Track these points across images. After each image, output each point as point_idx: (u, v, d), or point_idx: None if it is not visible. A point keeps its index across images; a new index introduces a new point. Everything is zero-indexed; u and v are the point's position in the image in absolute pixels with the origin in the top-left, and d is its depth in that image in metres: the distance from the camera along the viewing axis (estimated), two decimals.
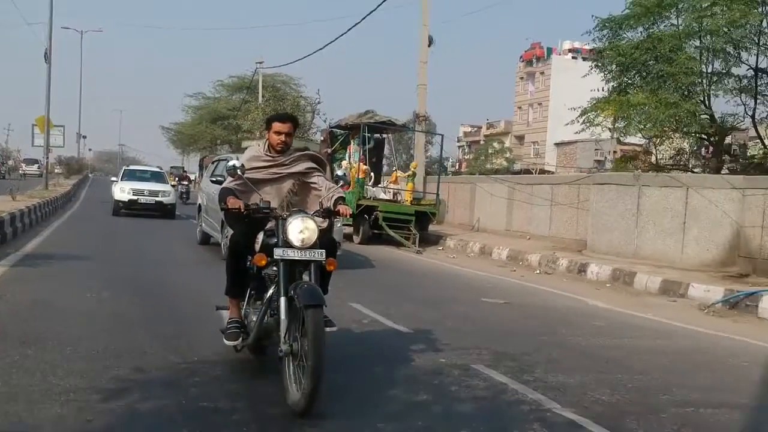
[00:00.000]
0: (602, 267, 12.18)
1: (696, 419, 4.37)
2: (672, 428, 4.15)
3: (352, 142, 19.51)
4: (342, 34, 38.57)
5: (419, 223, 17.10)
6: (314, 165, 4.95)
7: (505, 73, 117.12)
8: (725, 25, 11.68)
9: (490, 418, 4.15)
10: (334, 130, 20.85)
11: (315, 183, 4.88)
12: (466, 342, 6.14)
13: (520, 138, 72.19)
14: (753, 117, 13.46)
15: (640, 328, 7.88)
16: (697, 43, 12.88)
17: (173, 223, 19.98)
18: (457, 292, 10.02)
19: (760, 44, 12.74)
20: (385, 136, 21.11)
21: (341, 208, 4.59)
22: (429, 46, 22.62)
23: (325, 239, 4.41)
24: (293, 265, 4.21)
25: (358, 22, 38.95)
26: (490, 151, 70.66)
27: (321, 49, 48.75)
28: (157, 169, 26.21)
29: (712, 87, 14.09)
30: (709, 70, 13.37)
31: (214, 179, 11.34)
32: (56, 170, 62.68)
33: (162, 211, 21.37)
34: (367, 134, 18.33)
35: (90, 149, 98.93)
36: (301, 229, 4.19)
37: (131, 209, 20.99)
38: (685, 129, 13.00)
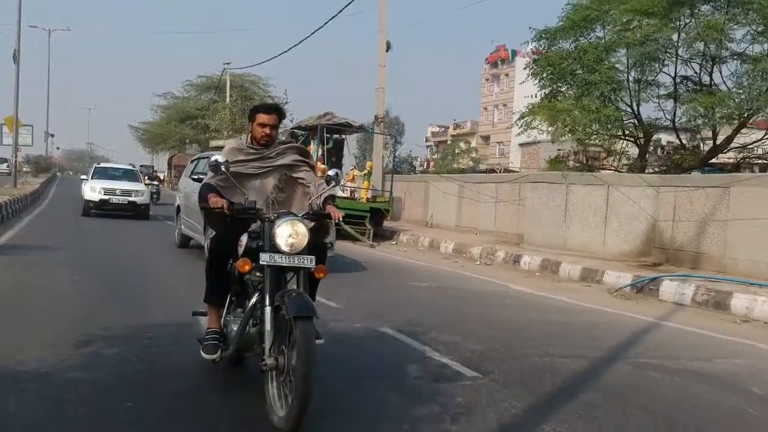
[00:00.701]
0: (533, 258, 13.41)
1: (548, 365, 5.55)
2: (524, 370, 5.31)
3: (312, 142, 20.57)
4: (304, 39, 39.79)
5: (374, 219, 18.21)
6: (301, 158, 4.64)
7: (472, 75, 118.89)
8: (640, 40, 12.98)
9: (382, 363, 5.29)
10: (295, 130, 21.85)
11: (303, 178, 4.56)
12: (382, 313, 7.28)
13: (486, 138, 73.75)
14: (673, 121, 14.80)
15: (545, 306, 9.10)
16: (621, 54, 14.18)
17: (148, 225, 19.27)
18: (393, 278, 11.16)
19: (678, 55, 14.07)
20: (344, 136, 22.18)
21: (330, 208, 4.29)
22: (387, 51, 23.70)
23: (314, 243, 4.02)
24: (280, 271, 3.91)
25: (320, 28, 39.70)
26: (456, 151, 72.17)
27: (285, 52, 49.67)
28: (130, 167, 25.09)
29: (641, 94, 15.43)
30: (638, 79, 14.64)
31: (195, 177, 10.99)
32: (24, 169, 62.66)
33: (135, 212, 20.40)
34: (326, 135, 19.41)
35: (58, 148, 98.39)
36: (290, 234, 3.87)
37: (102, 209, 20.05)
38: (609, 132, 14.27)
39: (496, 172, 53.85)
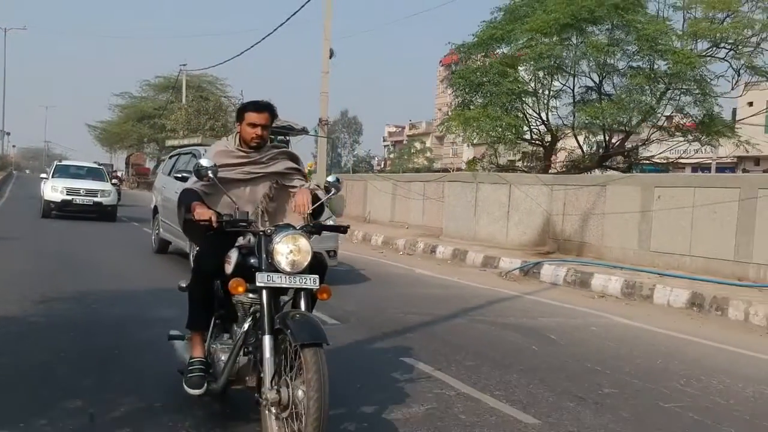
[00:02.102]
0: (447, 247, 15.24)
1: (401, 318, 7.33)
2: (379, 321, 7.07)
3: None
4: (255, 44, 41.06)
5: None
6: (294, 165, 4.22)
7: (429, 77, 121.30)
8: (535, 57, 14.93)
9: None
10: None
11: (295, 188, 4.05)
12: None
13: (441, 138, 75.90)
14: (573, 127, 16.79)
15: (433, 284, 10.91)
16: (523, 67, 16.10)
17: (116, 228, 18.08)
18: None
19: (575, 69, 16.06)
20: (288, 138, 23.81)
21: (298, 198, 3.86)
22: (330, 58, 25.38)
23: (314, 259, 3.58)
24: (276, 292, 3.54)
25: (269, 34, 42.15)
26: (412, 151, 74.22)
27: (238, 55, 51.69)
28: (95, 165, 23.21)
29: (551, 102, 17.39)
30: (536, 90, 16.59)
31: (179, 176, 10.09)
32: None
33: (101, 213, 19.14)
34: (270, 136, 21.01)
35: (14, 146, 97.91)
36: (291, 250, 3.45)
37: (65, 211, 18.70)
38: (509, 138, 16.21)
39: (450, 171, 56.16)
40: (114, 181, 23.59)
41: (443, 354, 5.92)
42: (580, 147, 17.24)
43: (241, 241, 3.84)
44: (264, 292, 3.44)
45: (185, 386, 3.79)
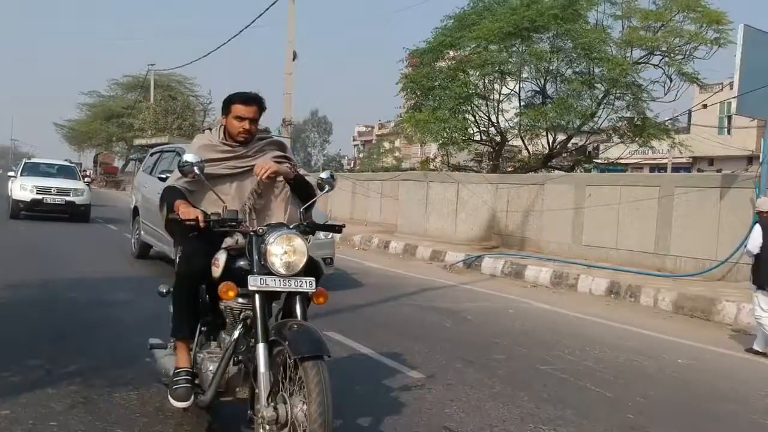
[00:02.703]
0: (399, 243, 16.09)
1: (340, 301, 8.14)
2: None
3: None
4: (221, 46, 41.67)
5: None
6: (282, 153, 3.87)
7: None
8: (480, 63, 15.88)
9: None
10: (206, 131, 24.03)
11: (282, 181, 3.76)
12: None
13: (409, 138, 76.76)
14: (519, 129, 17.76)
15: (380, 275, 11.76)
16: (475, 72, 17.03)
17: (90, 229, 17.02)
18: None
19: (521, 74, 17.04)
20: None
21: (259, 162, 3.61)
22: (293, 59, 26.12)
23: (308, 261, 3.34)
24: (269, 297, 3.32)
25: (235, 36, 42.36)
26: (381, 151, 75.03)
27: (205, 56, 51.92)
28: (67, 163, 22.07)
29: (503, 104, 18.34)
30: (484, 94, 17.54)
31: (165, 177, 8.68)
32: None
33: (74, 214, 18.13)
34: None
35: None
36: (285, 251, 3.23)
37: (34, 211, 17.74)
38: (461, 138, 17.15)
39: (416, 170, 57.12)
40: (87, 179, 22.50)
41: (363, 328, 6.76)
42: (527, 148, 18.22)
43: (228, 241, 3.54)
44: (257, 297, 3.21)
45: (170, 398, 3.55)
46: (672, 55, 16.06)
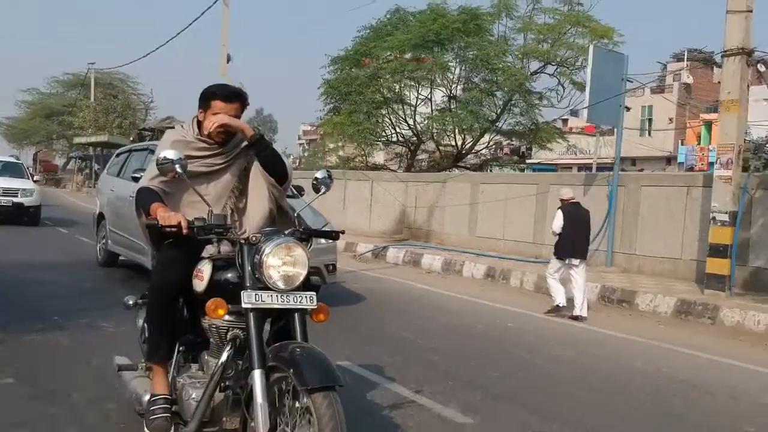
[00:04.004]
0: None
1: None
2: None
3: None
4: (159, 47, 42.42)
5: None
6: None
7: None
8: (391, 72, 17.40)
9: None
10: (142, 131, 25.03)
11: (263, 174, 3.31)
12: None
13: (328, 138, 78.11)
14: (431, 131, 19.31)
15: None
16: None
17: (42, 233, 15.41)
18: None
19: (436, 81, 18.62)
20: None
21: (209, 120, 3.21)
22: (228, 62, 27.22)
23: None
24: (263, 314, 2.91)
25: (173, 38, 43.40)
26: (325, 149, 76.11)
27: (144, 57, 52.35)
28: (13, 160, 20.54)
29: (417, 109, 19.88)
30: (399, 99, 19.07)
31: (136, 176, 7.52)
32: None
33: (22, 216, 16.32)
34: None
35: None
36: (285, 262, 2.84)
37: None
38: (374, 140, 18.66)
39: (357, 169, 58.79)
40: (37, 178, 19.64)
41: None
42: (438, 149, 19.82)
43: (209, 250, 3.14)
44: (251, 316, 2.79)
45: (147, 431, 3.13)
46: (565, 66, 17.82)
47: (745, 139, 35.92)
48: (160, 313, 3.22)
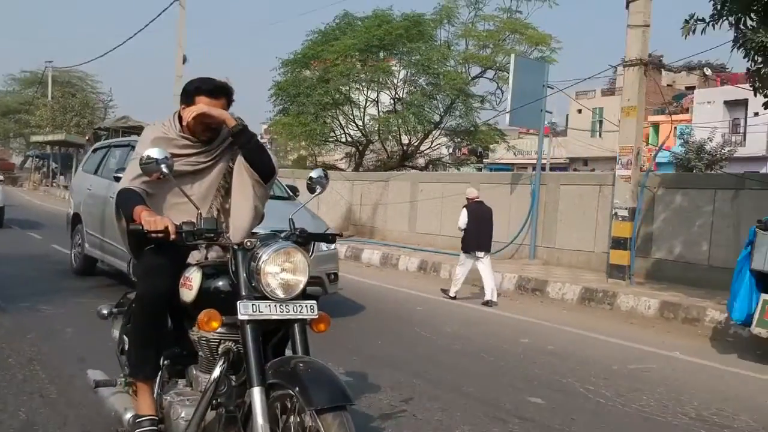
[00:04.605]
0: None
1: None
2: None
3: None
4: (117, 47, 42.63)
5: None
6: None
7: None
8: (337, 75, 18.17)
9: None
10: (97, 130, 25.36)
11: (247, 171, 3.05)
12: None
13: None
14: (378, 132, 20.11)
15: None
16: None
17: (5, 238, 14.21)
18: None
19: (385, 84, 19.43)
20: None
21: (187, 111, 2.95)
22: (183, 63, 27.65)
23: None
24: (261, 326, 2.64)
25: (130, 38, 43.59)
26: (287, 149, 76.51)
27: (102, 56, 52.38)
28: None
29: (367, 110, 20.65)
30: (350, 101, 19.84)
31: (120, 176, 6.09)
32: None
33: None
34: (122, 135, 23.15)
35: None
36: (284, 269, 2.62)
37: None
38: (322, 140, 19.40)
39: (308, 168, 59.45)
40: (1, 177, 19.22)
41: None
42: (385, 149, 20.65)
43: (195, 255, 2.95)
44: (248, 328, 2.57)
45: None
46: (504, 71, 18.73)
47: (688, 140, 37.15)
48: (147, 325, 2.94)
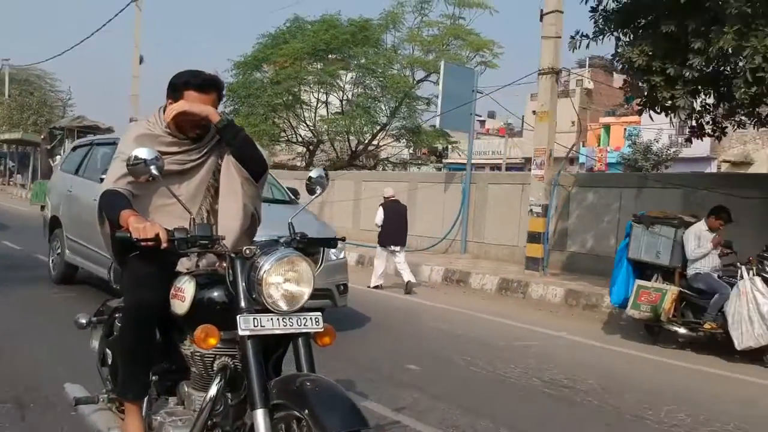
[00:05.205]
0: None
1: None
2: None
3: (66, 141, 24.52)
4: (73, 47, 42.92)
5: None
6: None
7: None
8: (285, 77, 18.85)
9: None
10: (52, 129, 25.63)
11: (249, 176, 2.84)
12: None
13: None
14: (328, 133, 20.87)
15: None
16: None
17: None
18: None
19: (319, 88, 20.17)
20: (98, 136, 26.26)
21: (169, 110, 2.76)
22: (140, 63, 28.03)
23: None
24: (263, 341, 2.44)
25: (86, 38, 43.71)
26: None
27: (59, 55, 52.56)
28: None
29: (317, 111, 21.37)
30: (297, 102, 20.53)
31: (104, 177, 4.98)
32: None
33: None
34: (77, 135, 23.50)
35: None
36: (288, 278, 2.42)
37: None
38: (270, 141, 20.08)
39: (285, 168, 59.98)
40: None
41: None
42: (334, 149, 21.41)
43: (185, 263, 2.75)
44: (249, 344, 2.37)
45: None
46: None
47: (636, 141, 38.41)
48: (135, 340, 2.70)
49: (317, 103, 21.02)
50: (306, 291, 2.44)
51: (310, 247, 2.69)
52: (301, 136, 21.10)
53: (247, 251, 2.44)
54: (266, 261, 2.38)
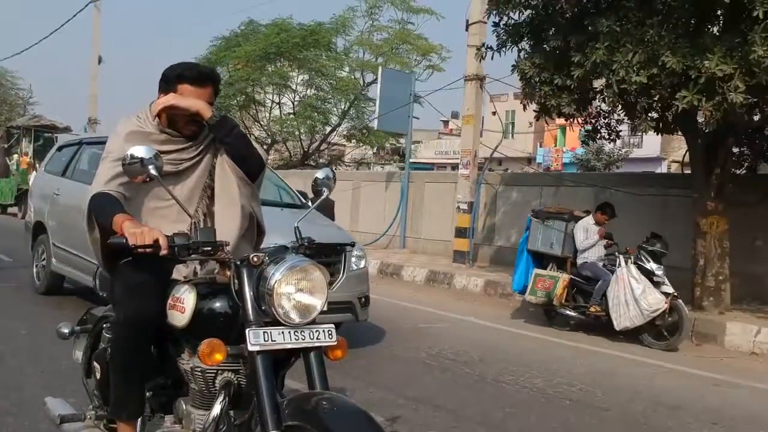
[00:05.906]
0: None
1: None
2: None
3: (24, 139, 24.74)
4: (32, 46, 42.99)
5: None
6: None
7: None
8: (237, 80, 19.48)
9: None
10: (9, 128, 25.80)
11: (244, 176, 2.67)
12: None
13: None
14: (281, 134, 21.52)
15: None
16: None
17: None
18: None
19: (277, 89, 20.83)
20: (56, 135, 26.49)
21: (156, 105, 2.62)
22: (99, 63, 28.31)
23: None
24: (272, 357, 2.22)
25: (45, 38, 43.62)
26: None
27: (19, 53, 52.51)
28: None
29: (272, 111, 22.00)
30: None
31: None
32: None
33: None
34: (34, 134, 23.75)
35: None
36: (300, 288, 2.22)
37: None
38: None
39: None
40: None
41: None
42: (287, 149, 22.09)
43: (182, 270, 2.58)
44: (259, 360, 2.14)
45: None
46: None
47: (594, 139, 39.90)
48: (130, 355, 2.50)
49: (271, 104, 21.66)
50: (320, 302, 2.24)
51: (329, 254, 2.55)
52: (255, 136, 21.69)
53: (255, 259, 2.22)
54: (277, 270, 2.18)
